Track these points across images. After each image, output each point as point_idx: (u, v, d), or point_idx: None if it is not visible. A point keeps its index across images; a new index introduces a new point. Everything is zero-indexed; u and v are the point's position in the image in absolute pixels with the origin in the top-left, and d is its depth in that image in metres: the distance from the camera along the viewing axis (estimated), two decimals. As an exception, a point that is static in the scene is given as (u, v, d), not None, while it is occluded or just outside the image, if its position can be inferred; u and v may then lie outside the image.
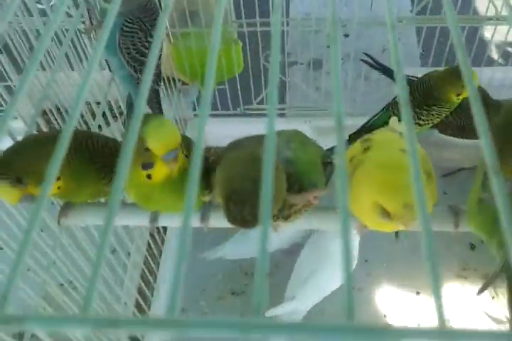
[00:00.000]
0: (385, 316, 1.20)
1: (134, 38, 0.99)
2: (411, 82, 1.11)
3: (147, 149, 0.60)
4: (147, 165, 0.62)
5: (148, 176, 0.63)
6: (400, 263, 1.25)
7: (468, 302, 1.18)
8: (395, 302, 1.21)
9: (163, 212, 0.74)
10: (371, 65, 1.26)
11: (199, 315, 1.21)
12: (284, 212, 0.63)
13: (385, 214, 0.58)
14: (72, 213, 0.74)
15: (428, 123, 1.13)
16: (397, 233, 0.75)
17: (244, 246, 1.22)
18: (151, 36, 1.01)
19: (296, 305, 1.09)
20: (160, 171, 0.63)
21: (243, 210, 0.52)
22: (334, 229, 0.74)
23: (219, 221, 0.72)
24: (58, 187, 0.66)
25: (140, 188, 0.66)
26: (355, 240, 1.08)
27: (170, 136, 0.61)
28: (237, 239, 1.25)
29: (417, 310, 1.19)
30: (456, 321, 1.16)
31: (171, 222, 0.78)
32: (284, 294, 1.12)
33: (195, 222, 0.74)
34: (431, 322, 1.14)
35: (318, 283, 1.10)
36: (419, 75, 1.13)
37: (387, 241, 1.22)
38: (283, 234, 1.22)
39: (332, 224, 0.70)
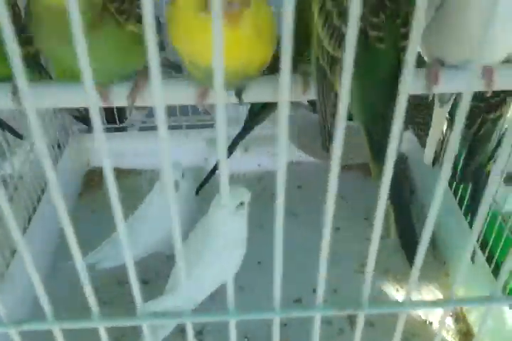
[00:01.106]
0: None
1: None
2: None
3: None
4: None
5: None
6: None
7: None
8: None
9: None
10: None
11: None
12: None
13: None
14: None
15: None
16: (239, 94, 0.66)
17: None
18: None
19: (177, 300, 0.94)
20: None
21: None
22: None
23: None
24: None
25: None
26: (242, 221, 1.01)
27: None
28: (114, 241, 1.10)
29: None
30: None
31: None
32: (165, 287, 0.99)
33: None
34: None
35: (204, 272, 0.97)
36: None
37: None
38: (163, 234, 1.12)
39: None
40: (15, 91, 0.64)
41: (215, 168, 1.14)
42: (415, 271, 0.34)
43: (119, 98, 0.66)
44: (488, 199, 0.29)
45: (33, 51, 0.73)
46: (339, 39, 0.60)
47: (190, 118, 1.55)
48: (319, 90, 0.63)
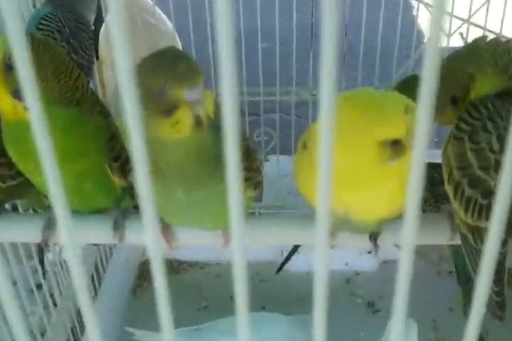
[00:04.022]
0: None
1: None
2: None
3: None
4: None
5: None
6: None
7: None
8: None
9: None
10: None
11: None
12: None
13: (392, 147, 0.51)
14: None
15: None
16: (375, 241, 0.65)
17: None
18: (75, 52, 0.91)
19: None
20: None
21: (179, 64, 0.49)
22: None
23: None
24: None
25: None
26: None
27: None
28: (186, 333, 1.03)
29: None
30: None
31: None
32: None
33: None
34: None
35: None
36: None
37: None
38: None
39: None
40: (116, 227, 0.67)
41: (293, 250, 1.08)
42: None
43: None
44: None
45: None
46: (477, 209, 0.57)
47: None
48: (469, 256, 0.60)
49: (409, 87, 1.07)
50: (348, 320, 1.11)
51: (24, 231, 0.68)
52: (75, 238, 0.27)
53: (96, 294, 1.22)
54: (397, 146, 0.51)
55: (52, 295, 1.10)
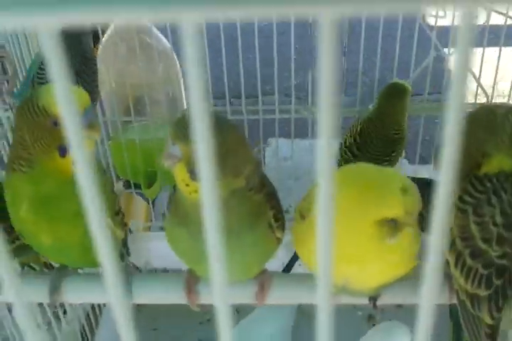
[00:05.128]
0: None
1: None
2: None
3: (56, 123, 0.52)
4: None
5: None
6: None
7: None
8: None
9: None
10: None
11: None
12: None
13: (389, 225, 0.53)
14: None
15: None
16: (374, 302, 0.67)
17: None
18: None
19: None
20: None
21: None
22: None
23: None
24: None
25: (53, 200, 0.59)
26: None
27: (76, 91, 0.56)
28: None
29: None
30: None
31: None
32: None
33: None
34: None
35: None
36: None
37: None
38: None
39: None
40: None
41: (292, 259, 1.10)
42: None
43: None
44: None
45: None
46: (477, 279, 0.59)
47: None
48: (465, 319, 0.61)
49: (392, 95, 1.10)
50: (348, 333, 1.13)
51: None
52: (23, 298, 0.27)
53: (97, 324, 1.24)
54: (394, 224, 0.53)
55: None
